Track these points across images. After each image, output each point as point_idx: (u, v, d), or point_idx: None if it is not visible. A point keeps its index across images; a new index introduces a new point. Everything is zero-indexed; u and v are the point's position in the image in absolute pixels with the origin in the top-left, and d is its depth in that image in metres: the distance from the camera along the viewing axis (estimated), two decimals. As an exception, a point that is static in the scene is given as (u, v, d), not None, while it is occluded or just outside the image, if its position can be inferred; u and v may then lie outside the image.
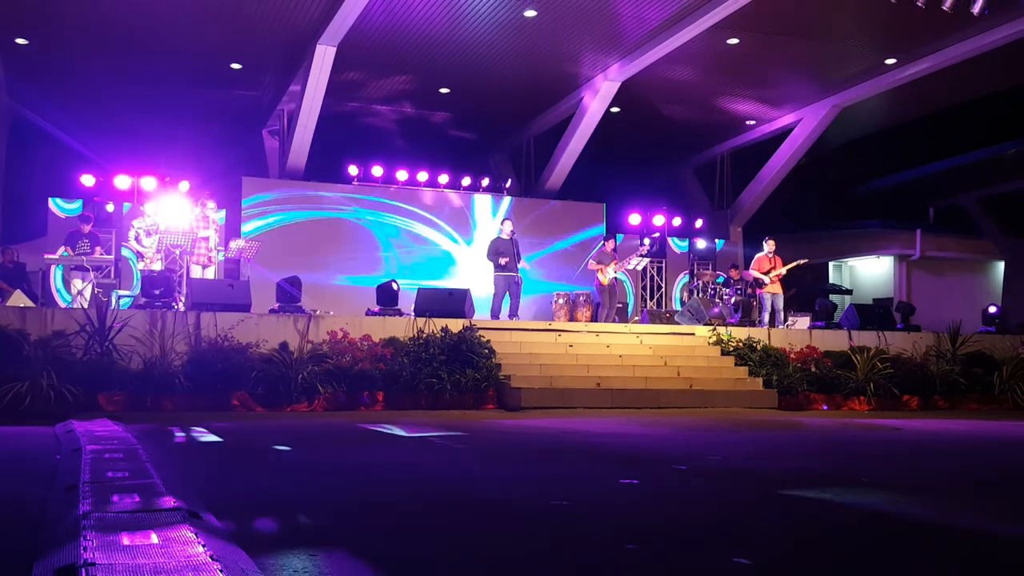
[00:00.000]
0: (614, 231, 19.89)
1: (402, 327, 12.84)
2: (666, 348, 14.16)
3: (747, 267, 17.45)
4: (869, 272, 25.47)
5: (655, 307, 19.40)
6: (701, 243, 21.08)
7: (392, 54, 16.43)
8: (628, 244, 19.53)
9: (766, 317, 16.13)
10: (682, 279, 20.87)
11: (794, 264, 16.27)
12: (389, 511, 4.59)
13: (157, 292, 12.56)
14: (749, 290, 17.31)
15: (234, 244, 15.25)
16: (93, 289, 13.79)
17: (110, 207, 16.97)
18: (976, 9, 11.68)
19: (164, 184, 17.74)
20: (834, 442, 8.94)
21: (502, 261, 15.04)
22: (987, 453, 8.24)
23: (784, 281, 16.48)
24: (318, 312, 12.99)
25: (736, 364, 13.91)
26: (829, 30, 15.69)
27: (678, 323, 15.63)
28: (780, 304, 16.24)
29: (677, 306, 19.55)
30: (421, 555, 3.64)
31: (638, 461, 6.91)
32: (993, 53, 16.05)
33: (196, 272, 14.12)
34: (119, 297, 14.74)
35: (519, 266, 15.28)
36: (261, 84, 17.86)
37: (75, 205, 16.81)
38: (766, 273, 16.10)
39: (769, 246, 16.34)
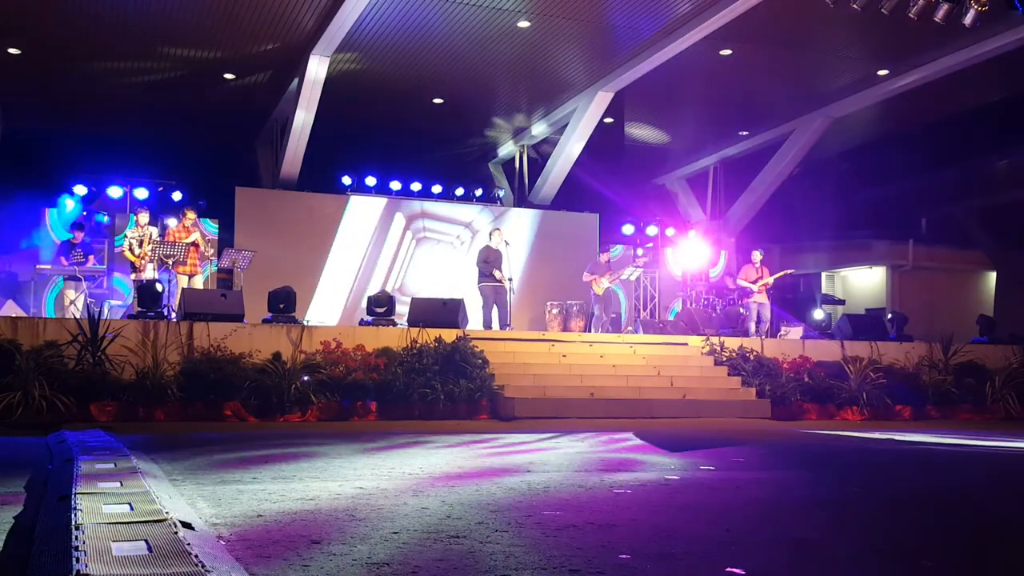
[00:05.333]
0: (608, 241, 19.94)
1: (395, 337, 12.83)
2: (659, 358, 14.18)
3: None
4: (862, 282, 25.52)
5: (648, 317, 19.43)
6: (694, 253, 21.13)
7: (385, 64, 16.47)
8: (622, 254, 19.59)
9: (752, 327, 16.21)
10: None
11: (780, 274, 16.43)
12: (387, 521, 4.58)
13: (150, 302, 12.53)
14: (743, 300, 17.39)
15: (227, 254, 15.25)
16: (86, 299, 13.78)
17: (104, 217, 16.97)
18: (968, 21, 11.73)
19: (157, 194, 17.77)
20: (826, 452, 8.96)
21: (496, 274, 15.04)
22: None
23: (776, 288, 16.61)
24: (311, 322, 12.98)
25: (729, 374, 13.94)
26: (822, 41, 15.78)
27: (671, 333, 15.66)
28: (767, 314, 16.37)
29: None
30: (419, 564, 3.64)
31: (630, 470, 6.91)
32: (985, 64, 16.17)
33: (183, 283, 14.11)
34: (111, 307, 14.74)
35: (509, 276, 15.25)
36: (254, 94, 17.88)
37: (68, 214, 16.82)
38: (752, 283, 16.28)
39: (756, 256, 16.51)
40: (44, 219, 17.04)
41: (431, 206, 19.62)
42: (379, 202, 19.22)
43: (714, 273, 19.03)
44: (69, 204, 17.05)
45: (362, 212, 19.02)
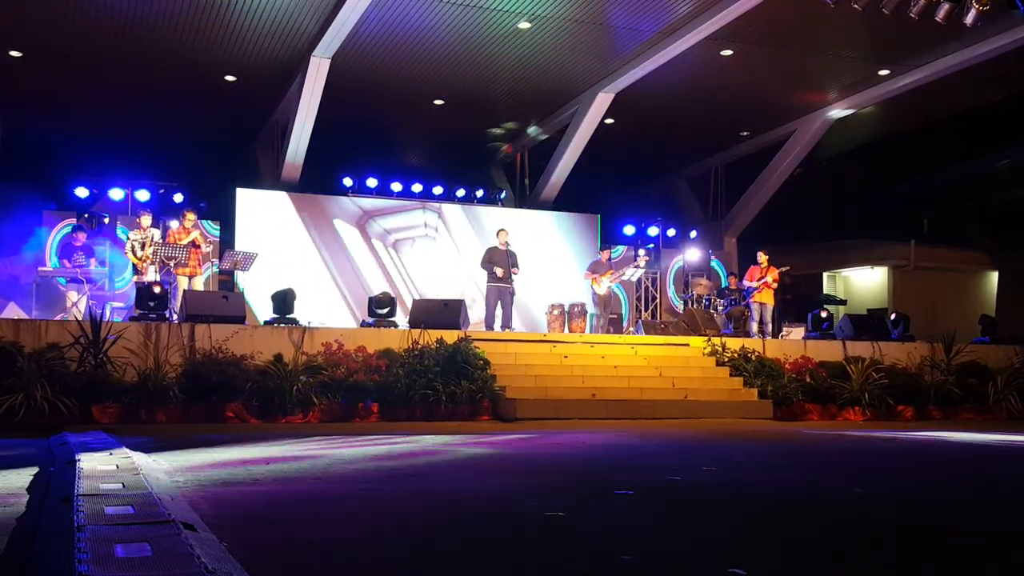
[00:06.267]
0: (609, 242, 19.93)
1: (397, 338, 12.82)
2: (661, 359, 14.16)
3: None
4: (863, 282, 25.52)
5: (650, 318, 19.41)
6: (695, 253, 21.13)
7: (386, 65, 16.46)
8: (623, 255, 19.58)
9: (753, 327, 16.18)
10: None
11: (779, 271, 16.38)
12: (398, 527, 4.58)
13: (152, 304, 12.53)
14: (745, 300, 17.36)
15: (229, 255, 15.24)
16: (87, 301, 13.77)
17: (105, 219, 16.94)
18: (969, 21, 11.71)
19: (158, 196, 17.75)
20: (827, 452, 8.95)
21: (497, 271, 15.00)
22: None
23: (781, 290, 16.57)
24: (312, 323, 12.97)
25: (731, 375, 13.92)
26: (823, 41, 15.75)
27: (673, 334, 15.64)
28: (767, 315, 16.31)
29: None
30: (425, 563, 3.65)
31: (633, 471, 6.91)
32: (986, 64, 16.15)
33: (183, 284, 14.09)
34: (113, 309, 14.73)
35: (512, 276, 15.20)
36: (256, 96, 17.86)
37: (70, 217, 16.81)
38: (754, 282, 16.27)
39: (761, 257, 16.48)
40: (44, 222, 16.99)
41: (432, 207, 19.53)
42: (380, 202, 19.19)
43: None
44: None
45: (363, 212, 18.98)
